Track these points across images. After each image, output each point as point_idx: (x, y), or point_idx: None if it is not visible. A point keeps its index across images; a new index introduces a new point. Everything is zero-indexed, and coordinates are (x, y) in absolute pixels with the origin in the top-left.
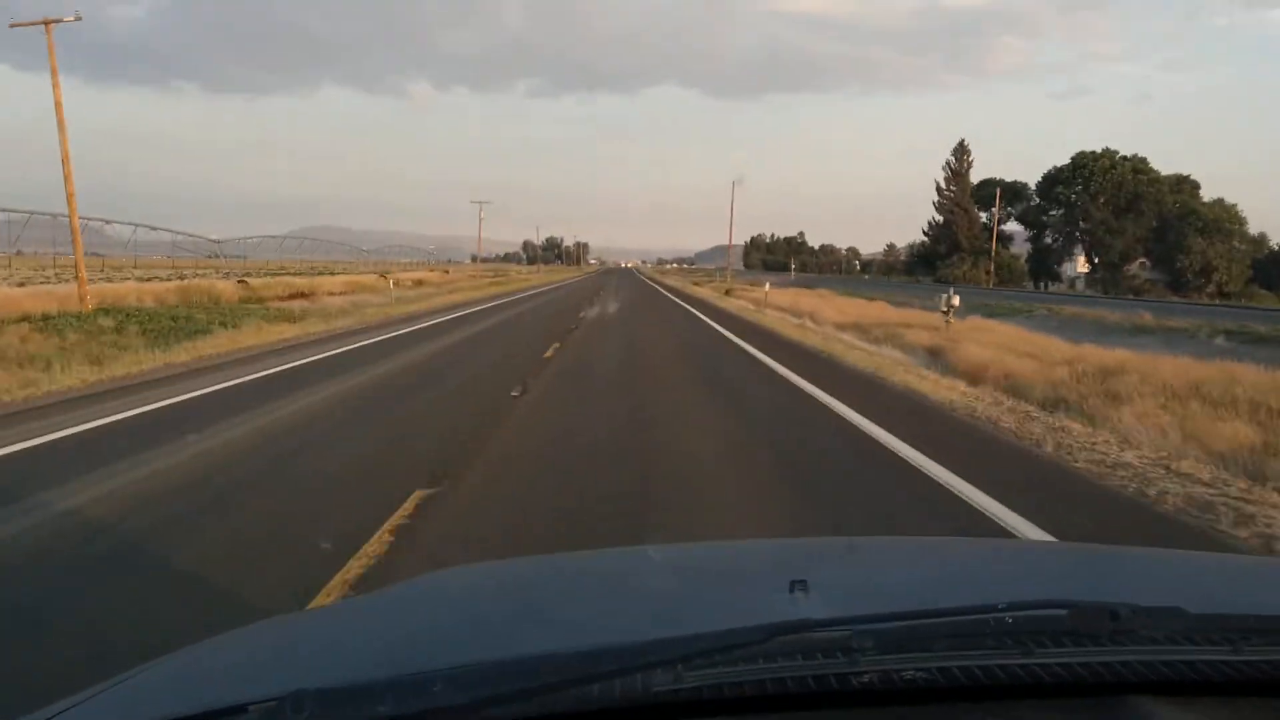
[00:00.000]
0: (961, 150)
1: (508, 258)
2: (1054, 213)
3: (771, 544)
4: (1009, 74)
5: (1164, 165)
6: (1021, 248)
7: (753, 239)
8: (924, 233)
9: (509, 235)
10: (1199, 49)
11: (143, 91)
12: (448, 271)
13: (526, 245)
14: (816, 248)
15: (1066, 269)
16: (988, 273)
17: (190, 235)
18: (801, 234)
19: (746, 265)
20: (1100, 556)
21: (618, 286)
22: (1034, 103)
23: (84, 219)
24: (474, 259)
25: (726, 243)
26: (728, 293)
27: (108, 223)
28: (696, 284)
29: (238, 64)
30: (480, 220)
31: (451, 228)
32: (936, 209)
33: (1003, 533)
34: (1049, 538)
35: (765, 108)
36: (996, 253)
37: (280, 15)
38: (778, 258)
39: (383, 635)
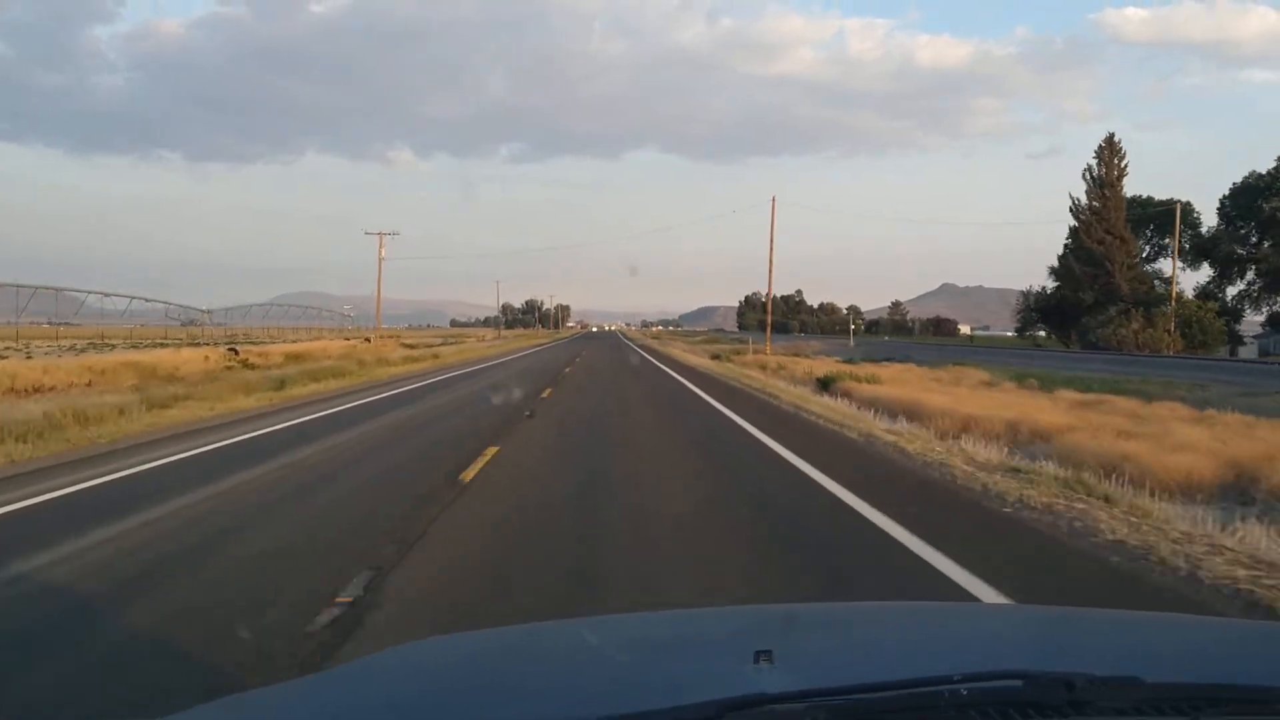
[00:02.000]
0: (1110, 150)
1: (487, 321)
2: (1263, 243)
3: (738, 611)
4: (987, 134)
5: None
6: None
7: (747, 298)
8: (1052, 272)
9: (491, 299)
10: (1174, 107)
11: (124, 161)
12: (369, 340)
13: (505, 309)
14: (815, 306)
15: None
16: (1168, 332)
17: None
18: (799, 292)
19: (741, 326)
20: (1059, 621)
21: (595, 368)
22: (1013, 162)
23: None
24: (459, 324)
25: (713, 304)
26: (826, 385)
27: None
28: (718, 357)
29: (221, 133)
30: (381, 260)
31: (432, 292)
32: (1078, 235)
33: None
34: None
35: (748, 170)
36: (1177, 299)
37: (265, 86)
38: (776, 318)
39: (348, 711)
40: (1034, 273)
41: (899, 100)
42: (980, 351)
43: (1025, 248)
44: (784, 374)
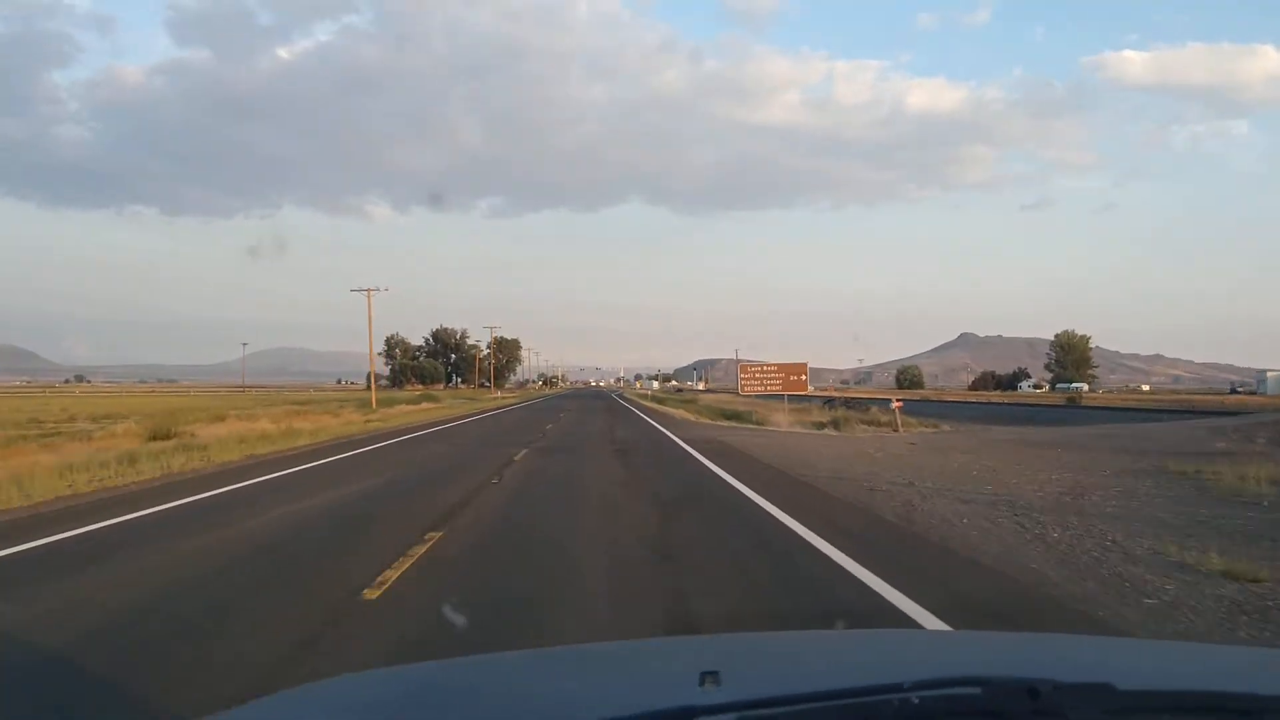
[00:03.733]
0: None
1: (397, 372)
2: None
3: (693, 640)
4: (979, 186)
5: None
6: None
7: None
8: None
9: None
10: (1174, 156)
11: (99, 215)
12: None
13: (399, 346)
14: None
15: None
16: None
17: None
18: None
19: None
20: (1023, 641)
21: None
22: (1006, 213)
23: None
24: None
25: (711, 356)
26: None
27: None
28: None
29: (198, 188)
30: None
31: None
32: None
33: None
34: None
35: (735, 223)
36: None
37: (241, 142)
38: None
39: None
40: (1058, 320)
41: (892, 150)
42: None
43: (1042, 296)
44: None
